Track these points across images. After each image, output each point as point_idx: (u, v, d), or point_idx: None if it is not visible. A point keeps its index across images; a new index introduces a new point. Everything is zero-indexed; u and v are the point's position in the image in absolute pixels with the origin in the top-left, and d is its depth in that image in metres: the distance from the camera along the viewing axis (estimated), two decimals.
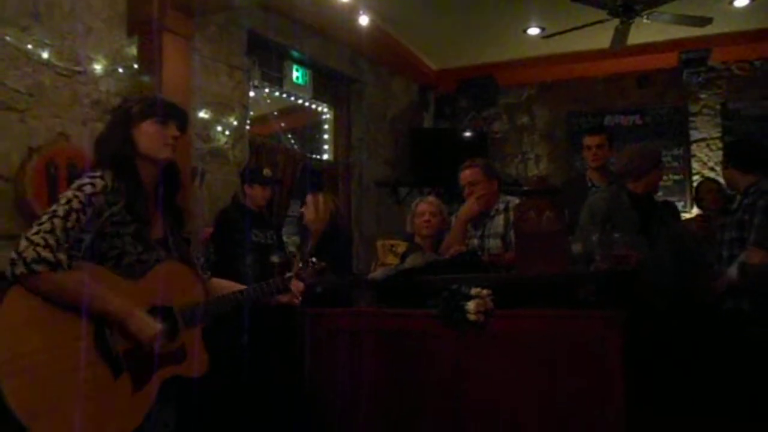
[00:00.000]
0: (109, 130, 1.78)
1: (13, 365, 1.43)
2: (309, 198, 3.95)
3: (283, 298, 2.08)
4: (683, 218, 4.32)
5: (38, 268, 1.48)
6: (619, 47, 4.85)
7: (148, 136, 1.74)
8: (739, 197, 3.09)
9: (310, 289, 2.15)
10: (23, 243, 1.51)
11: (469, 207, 3.20)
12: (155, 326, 1.65)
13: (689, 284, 2.90)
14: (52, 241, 1.51)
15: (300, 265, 2.14)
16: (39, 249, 1.49)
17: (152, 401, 1.65)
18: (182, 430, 1.83)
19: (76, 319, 1.54)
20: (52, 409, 1.47)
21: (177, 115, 1.82)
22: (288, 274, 2.08)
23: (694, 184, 5.53)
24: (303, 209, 4.03)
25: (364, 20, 4.16)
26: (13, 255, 1.49)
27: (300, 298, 2.12)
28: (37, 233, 1.52)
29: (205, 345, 1.82)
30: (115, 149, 1.72)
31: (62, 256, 1.52)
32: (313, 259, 2.17)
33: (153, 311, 1.68)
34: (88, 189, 1.61)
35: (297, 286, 2.08)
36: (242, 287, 1.98)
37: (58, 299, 1.52)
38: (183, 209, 1.93)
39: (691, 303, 2.85)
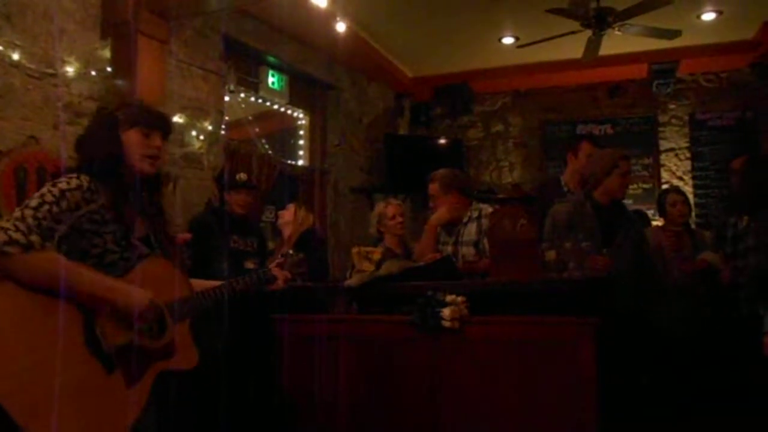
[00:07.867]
0: (94, 133, 1.77)
1: (4, 368, 1.42)
2: (292, 205, 4.00)
3: (273, 287, 2.21)
4: (652, 225, 4.39)
5: (10, 249, 1.48)
6: (592, 58, 4.93)
7: (131, 145, 1.74)
8: None
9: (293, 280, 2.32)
10: None
11: (437, 214, 3.30)
12: (144, 293, 1.63)
13: (644, 296, 2.96)
14: (22, 227, 1.51)
15: (279, 256, 2.30)
16: (10, 232, 1.50)
17: (147, 396, 1.64)
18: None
19: (64, 316, 1.53)
20: (49, 409, 1.46)
21: (161, 124, 1.81)
22: (270, 265, 2.23)
23: None
24: (282, 212, 4.05)
25: (341, 27, 4.16)
26: None
27: (285, 283, 2.25)
28: (8, 221, 1.53)
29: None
30: (103, 151, 1.71)
31: (34, 238, 1.51)
32: (290, 251, 2.30)
33: None
34: (62, 185, 1.62)
35: (281, 274, 2.22)
36: (220, 283, 1.99)
37: (35, 282, 1.50)
38: (162, 208, 1.91)
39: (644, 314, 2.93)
